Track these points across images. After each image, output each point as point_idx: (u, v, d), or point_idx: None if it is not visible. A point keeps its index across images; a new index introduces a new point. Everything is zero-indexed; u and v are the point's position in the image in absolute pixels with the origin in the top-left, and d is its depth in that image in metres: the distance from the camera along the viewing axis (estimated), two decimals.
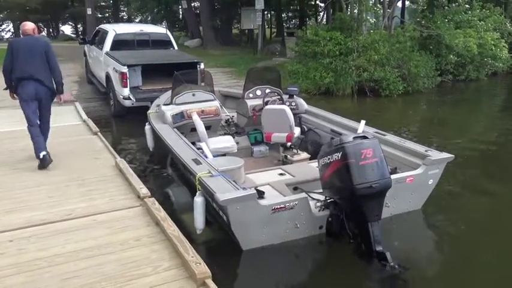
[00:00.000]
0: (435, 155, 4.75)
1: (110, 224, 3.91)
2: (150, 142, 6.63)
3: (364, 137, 3.95)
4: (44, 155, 5.29)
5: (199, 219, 4.14)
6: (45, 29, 37.67)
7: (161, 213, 3.91)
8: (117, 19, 34.78)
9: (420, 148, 4.97)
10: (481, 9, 17.66)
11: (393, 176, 4.19)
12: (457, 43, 14.28)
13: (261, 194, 4.31)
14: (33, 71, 5.23)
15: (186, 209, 4.80)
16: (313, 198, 4.38)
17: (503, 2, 20.51)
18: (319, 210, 4.32)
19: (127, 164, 5.34)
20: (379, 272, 3.79)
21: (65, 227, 3.85)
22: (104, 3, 37.73)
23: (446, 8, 17.18)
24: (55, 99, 5.71)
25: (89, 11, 24.07)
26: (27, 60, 5.21)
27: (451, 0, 19.13)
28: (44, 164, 5.29)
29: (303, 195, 4.31)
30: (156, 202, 4.19)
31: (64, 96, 5.89)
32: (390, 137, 5.39)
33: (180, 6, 26.19)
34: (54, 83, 5.49)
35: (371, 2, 14.79)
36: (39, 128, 5.49)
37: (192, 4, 25.80)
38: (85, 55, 12.76)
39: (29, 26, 5.48)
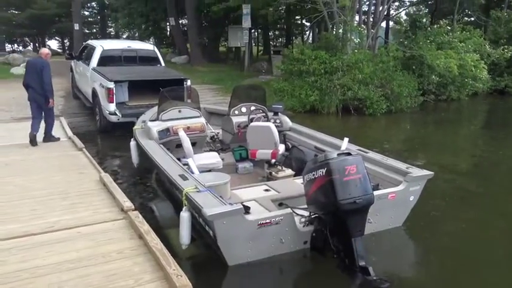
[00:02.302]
0: (416, 172, 4.86)
1: (93, 236, 3.89)
2: (134, 158, 6.61)
3: (348, 154, 4.02)
4: (32, 134, 7.23)
5: (185, 234, 4.13)
6: (31, 43, 37.49)
7: (144, 227, 3.91)
8: (104, 35, 34.82)
9: (401, 165, 5.07)
10: (462, 31, 18.23)
11: (376, 192, 4.27)
12: (439, 64, 14.66)
13: (247, 210, 4.34)
14: (30, 81, 7.25)
15: (170, 224, 4.80)
16: (298, 214, 4.41)
17: (483, 25, 21.19)
18: (304, 226, 4.36)
19: (111, 178, 5.34)
20: (362, 286, 3.83)
21: (47, 239, 3.83)
22: (91, 19, 37.80)
23: (428, 29, 17.68)
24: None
25: (76, 27, 24.08)
26: (28, 73, 7.32)
27: (433, 21, 19.71)
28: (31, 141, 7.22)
29: (288, 210, 4.34)
30: (140, 215, 4.19)
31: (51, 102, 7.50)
32: (372, 154, 5.49)
33: (167, 23, 26.40)
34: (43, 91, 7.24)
35: (355, 22, 15.14)
36: (45, 120, 7.50)
37: (180, 21, 26.04)
38: (71, 70, 12.74)
39: (42, 50, 7.69)
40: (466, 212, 5.85)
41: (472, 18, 24.09)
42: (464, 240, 5.00)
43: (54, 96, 7.51)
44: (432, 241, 4.95)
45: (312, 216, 4.34)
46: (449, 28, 17.94)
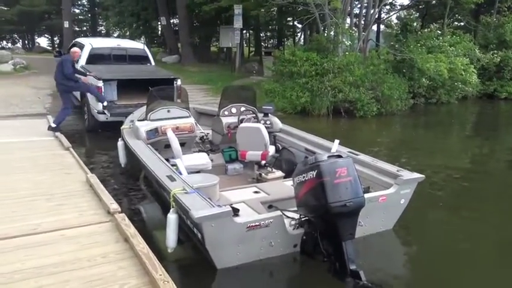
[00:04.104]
0: (407, 175, 4.82)
1: (78, 239, 3.78)
2: (122, 158, 6.51)
3: (339, 156, 3.97)
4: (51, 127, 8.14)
5: (171, 237, 4.03)
6: (20, 40, 37.05)
7: (131, 230, 3.81)
8: (94, 33, 34.55)
9: (392, 168, 5.04)
10: (452, 35, 18.36)
11: (366, 195, 4.21)
12: (429, 67, 14.74)
13: (236, 212, 4.26)
14: (55, 74, 8.25)
15: (157, 226, 4.70)
16: (288, 217, 4.35)
17: (473, 30, 21.37)
18: (294, 229, 4.30)
19: (98, 180, 5.21)
20: None
21: (28, 242, 3.70)
22: (81, 17, 37.48)
23: (419, 33, 17.78)
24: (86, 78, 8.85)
25: (66, 24, 23.86)
26: (56, 68, 8.27)
27: (424, 25, 19.84)
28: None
29: (278, 213, 4.27)
30: (126, 218, 4.08)
31: (87, 79, 8.83)
32: (363, 157, 5.45)
33: (159, 23, 26.25)
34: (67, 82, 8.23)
35: (347, 24, 15.15)
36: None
37: (171, 21, 25.89)
38: None
39: (72, 49, 8.62)
40: (456, 215, 5.84)
41: (462, 23, 24.28)
42: (455, 242, 4.96)
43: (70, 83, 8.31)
44: (423, 244, 4.92)
45: (302, 219, 4.28)
46: (439, 32, 18.08)
